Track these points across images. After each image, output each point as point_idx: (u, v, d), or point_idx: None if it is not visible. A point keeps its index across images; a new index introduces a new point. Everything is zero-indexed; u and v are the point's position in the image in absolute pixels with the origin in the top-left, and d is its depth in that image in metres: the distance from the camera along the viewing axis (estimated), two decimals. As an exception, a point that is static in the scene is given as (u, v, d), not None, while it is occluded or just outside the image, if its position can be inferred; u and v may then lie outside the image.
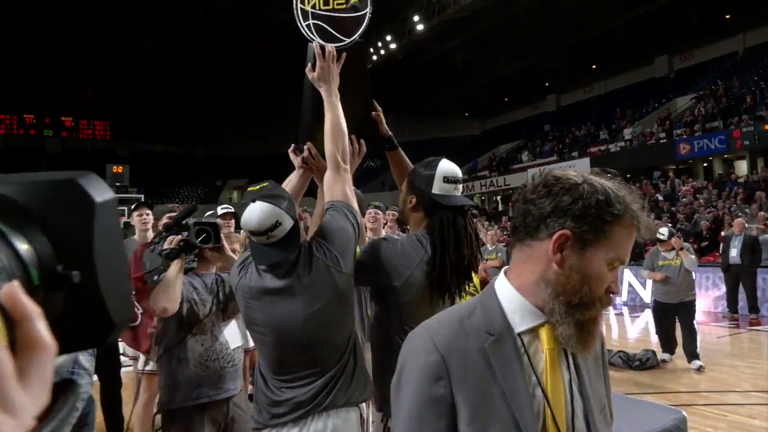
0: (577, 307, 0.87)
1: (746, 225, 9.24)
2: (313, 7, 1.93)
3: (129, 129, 30.23)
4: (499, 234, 11.72)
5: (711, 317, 9.16)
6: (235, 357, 2.46)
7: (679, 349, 5.94)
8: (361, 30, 1.94)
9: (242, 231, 2.82)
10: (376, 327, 1.82)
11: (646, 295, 10.63)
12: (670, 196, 16.30)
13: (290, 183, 2.06)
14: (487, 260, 7.89)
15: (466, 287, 1.79)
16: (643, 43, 22.86)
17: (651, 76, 24.89)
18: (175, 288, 2.20)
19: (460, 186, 1.84)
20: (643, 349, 6.20)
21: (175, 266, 2.24)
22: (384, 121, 2.14)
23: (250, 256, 1.74)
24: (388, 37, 20.99)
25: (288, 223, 1.60)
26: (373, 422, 1.92)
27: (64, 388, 0.36)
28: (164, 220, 3.87)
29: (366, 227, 3.67)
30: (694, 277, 6.23)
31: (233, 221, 4.15)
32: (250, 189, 1.67)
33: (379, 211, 3.91)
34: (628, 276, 11.12)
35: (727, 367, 5.82)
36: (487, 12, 19.60)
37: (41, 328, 0.33)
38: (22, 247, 0.37)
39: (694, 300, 6.01)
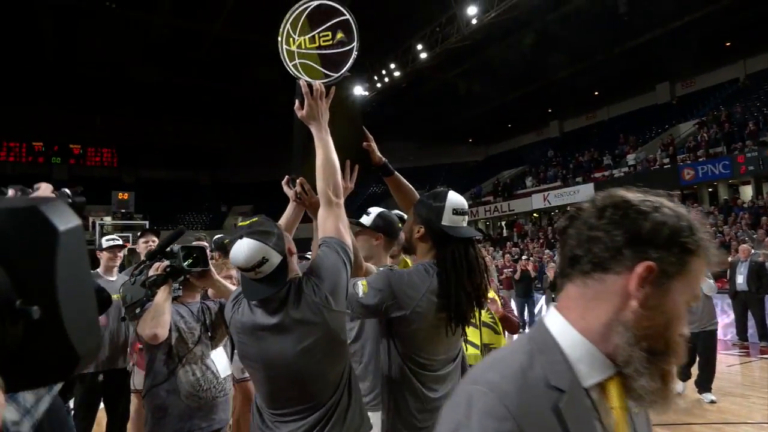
0: (661, 356, 0.74)
1: (752, 251, 9.15)
2: (299, 46, 1.95)
3: (135, 156, 30.60)
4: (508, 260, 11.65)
5: (721, 345, 8.97)
6: (226, 386, 2.43)
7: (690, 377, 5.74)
8: (348, 64, 1.95)
9: None
10: (385, 359, 1.86)
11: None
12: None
13: (285, 215, 2.10)
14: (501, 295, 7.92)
15: (477, 315, 1.87)
16: (645, 70, 23.08)
17: (653, 103, 25.06)
18: (165, 314, 2.17)
19: (467, 217, 1.89)
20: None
21: (163, 292, 2.20)
22: (376, 149, 2.15)
23: (241, 293, 1.75)
24: (392, 65, 21.29)
25: (276, 259, 1.60)
26: None
27: None
28: (143, 246, 3.85)
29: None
30: (714, 304, 5.86)
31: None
32: (240, 224, 1.68)
33: None
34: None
35: (738, 397, 5.68)
36: (489, 41, 19.90)
37: None
38: None
39: (716, 330, 5.59)
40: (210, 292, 2.57)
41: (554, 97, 26.48)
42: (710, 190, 18.47)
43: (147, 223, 23.22)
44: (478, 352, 3.09)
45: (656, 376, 0.74)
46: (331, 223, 1.76)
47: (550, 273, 8.65)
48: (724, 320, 9.52)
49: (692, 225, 0.77)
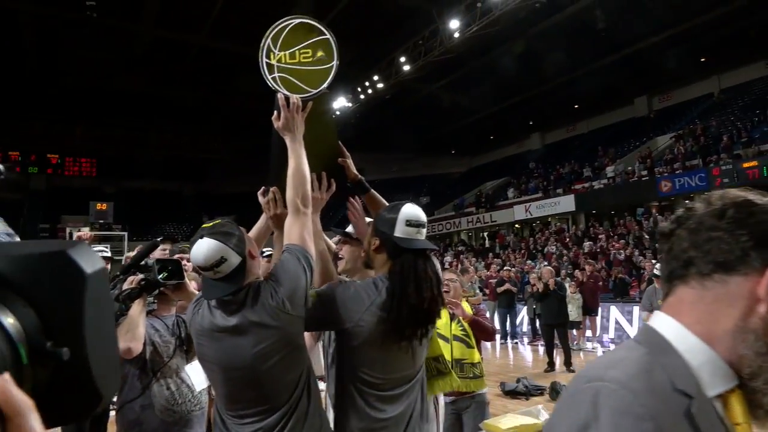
0: None
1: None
2: (279, 60, 2.00)
3: (116, 166, 30.20)
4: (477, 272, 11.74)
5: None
6: (202, 400, 2.41)
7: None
8: (327, 81, 2.00)
9: None
10: (334, 372, 1.84)
11: (633, 332, 10.65)
12: (653, 232, 16.52)
13: (257, 224, 2.13)
14: (468, 298, 7.85)
15: (426, 332, 1.77)
16: (623, 84, 23.61)
17: (631, 116, 25.61)
18: (139, 327, 2.17)
19: (424, 230, 1.85)
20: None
21: (137, 305, 2.20)
22: (352, 165, 2.20)
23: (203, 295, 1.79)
24: (376, 77, 21.45)
25: (234, 259, 1.64)
26: None
27: None
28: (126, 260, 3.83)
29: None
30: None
31: None
32: (203, 226, 1.72)
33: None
34: (614, 313, 11.15)
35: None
36: (471, 54, 20.18)
37: (34, 422, 0.32)
38: (8, 322, 0.36)
39: None
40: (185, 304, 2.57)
41: (536, 109, 26.92)
42: (687, 202, 18.77)
43: (126, 234, 22.90)
44: None
45: None
46: (296, 230, 1.79)
47: (544, 283, 8.66)
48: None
49: None
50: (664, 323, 0.76)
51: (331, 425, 1.81)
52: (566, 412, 0.69)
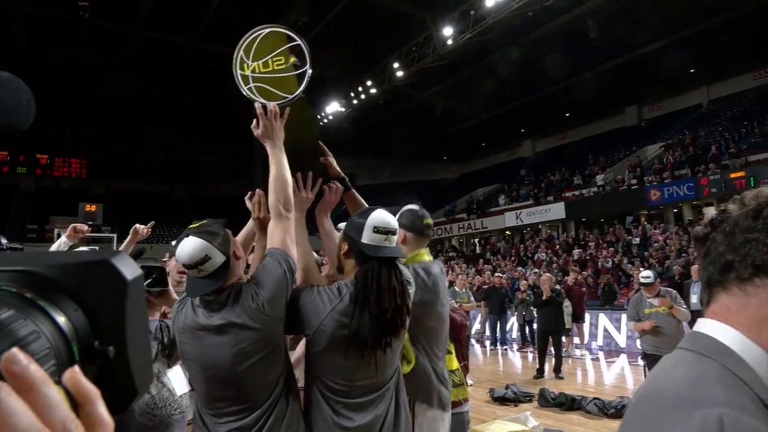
0: None
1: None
2: (253, 71, 2.03)
3: (106, 167, 29.99)
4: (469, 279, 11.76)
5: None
6: (182, 404, 2.43)
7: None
8: (302, 86, 2.03)
9: None
10: (306, 376, 1.84)
11: (621, 339, 10.71)
12: (643, 241, 16.66)
13: (245, 228, 2.17)
14: (461, 304, 7.84)
15: (390, 342, 1.74)
16: (614, 94, 23.86)
17: (622, 125, 25.85)
18: None
19: (393, 237, 1.82)
20: (619, 396, 6.18)
21: None
22: (334, 163, 2.22)
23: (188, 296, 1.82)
24: (369, 83, 21.51)
25: (218, 258, 1.68)
26: None
27: None
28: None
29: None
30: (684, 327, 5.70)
31: None
32: (190, 226, 1.76)
33: None
34: (603, 320, 11.21)
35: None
36: (464, 61, 20.30)
37: (102, 409, 0.36)
38: (62, 320, 0.41)
39: None
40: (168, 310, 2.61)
41: (527, 117, 27.10)
42: (675, 210, 19.06)
43: (115, 236, 22.71)
44: None
45: None
46: (278, 235, 1.82)
47: (544, 289, 8.59)
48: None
49: None
50: (720, 331, 0.70)
51: None
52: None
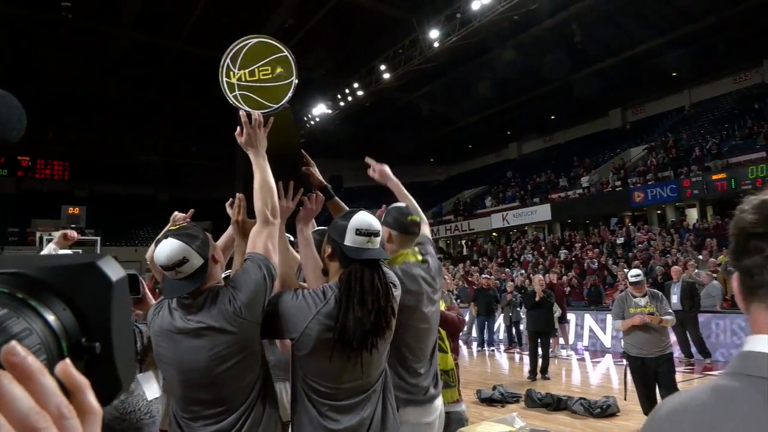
0: None
1: (697, 270, 9.57)
2: (239, 79, 2.05)
3: (90, 170, 29.58)
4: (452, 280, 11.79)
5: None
6: (153, 408, 2.42)
7: (635, 396, 5.38)
8: (287, 96, 2.05)
9: None
10: (292, 378, 1.84)
11: (606, 339, 10.82)
12: (627, 242, 16.85)
13: (226, 233, 2.20)
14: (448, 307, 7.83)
15: (375, 343, 1.74)
16: (599, 97, 24.14)
17: (606, 128, 26.15)
18: None
19: (376, 239, 1.83)
20: (604, 395, 6.23)
21: None
22: (316, 172, 2.24)
23: (165, 299, 1.82)
24: (356, 85, 21.51)
25: (196, 261, 1.69)
26: None
27: None
28: None
29: None
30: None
31: None
32: (170, 228, 1.80)
33: None
34: (588, 321, 11.31)
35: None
36: (451, 64, 20.39)
37: (91, 397, 0.40)
38: (51, 319, 0.44)
39: (672, 353, 5.26)
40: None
41: (513, 120, 27.29)
42: (659, 212, 19.32)
43: (99, 239, 22.41)
44: None
45: None
46: (261, 240, 1.82)
47: (536, 291, 8.51)
48: (672, 338, 9.91)
49: None
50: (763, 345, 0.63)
51: None
52: None
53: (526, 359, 10.45)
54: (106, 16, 17.92)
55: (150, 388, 2.38)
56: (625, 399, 5.26)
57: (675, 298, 8.89)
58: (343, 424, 1.72)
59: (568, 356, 10.46)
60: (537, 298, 8.37)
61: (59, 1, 15.63)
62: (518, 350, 11.60)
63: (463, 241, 26.61)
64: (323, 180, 2.26)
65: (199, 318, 1.67)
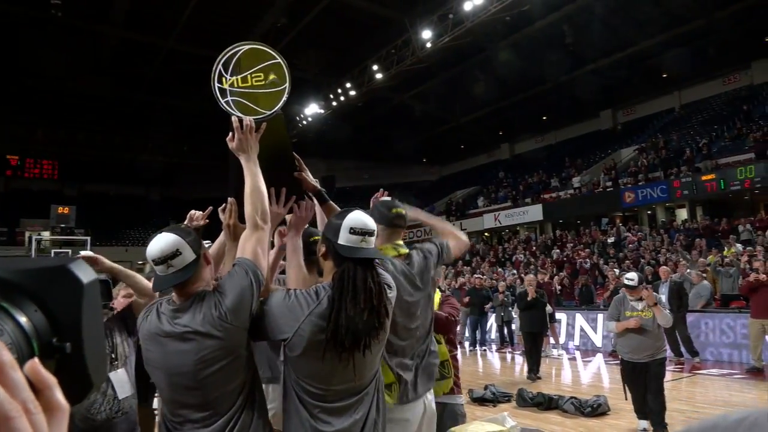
0: None
1: (689, 270, 9.64)
2: (231, 85, 2.05)
3: (79, 170, 29.32)
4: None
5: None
6: (124, 405, 2.44)
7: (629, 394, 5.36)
8: (280, 104, 2.06)
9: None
10: (282, 386, 1.83)
11: (597, 339, 10.88)
12: (617, 242, 16.95)
13: (217, 241, 2.19)
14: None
15: (369, 344, 1.71)
16: (590, 98, 24.31)
17: (597, 128, 26.31)
18: None
19: (371, 238, 1.81)
20: (595, 394, 6.27)
21: None
22: (310, 177, 2.24)
23: (155, 303, 1.82)
24: (348, 85, 21.49)
25: (189, 255, 1.70)
26: None
27: None
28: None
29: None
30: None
31: None
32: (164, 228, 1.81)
33: None
34: (579, 320, 11.37)
35: (675, 412, 5.94)
36: (443, 64, 20.44)
37: (59, 395, 0.41)
38: (23, 320, 0.46)
39: (666, 358, 5.16)
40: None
41: (505, 120, 27.39)
42: (649, 212, 19.47)
43: (88, 239, 22.22)
44: None
45: None
46: (250, 245, 1.82)
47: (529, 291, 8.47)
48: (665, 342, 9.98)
49: None
50: None
51: None
52: None
53: (518, 359, 10.49)
54: (96, 15, 17.79)
55: (121, 387, 2.42)
56: (626, 399, 5.25)
57: (663, 298, 8.92)
58: (335, 426, 1.70)
59: (559, 356, 10.50)
60: (529, 298, 8.36)
61: (49, -1, 15.50)
62: (510, 350, 11.63)
63: (456, 241, 26.63)
64: (317, 185, 2.25)
65: (185, 322, 1.68)
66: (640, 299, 4.97)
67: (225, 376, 1.68)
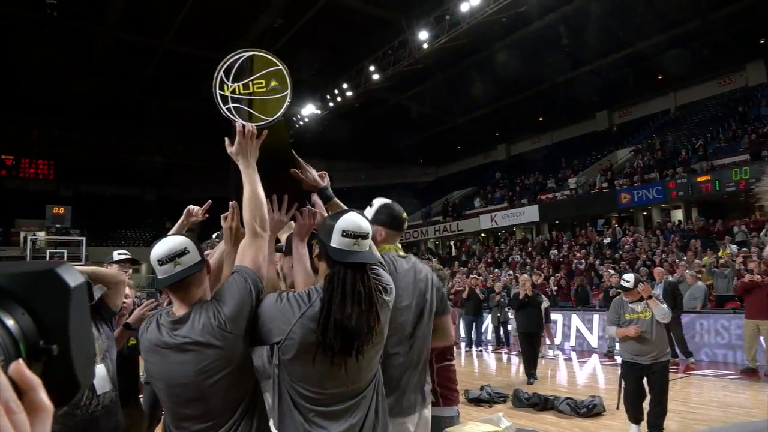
0: None
1: (687, 270, 9.65)
2: (233, 92, 2.06)
3: (75, 170, 29.24)
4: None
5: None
6: (105, 399, 2.47)
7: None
8: (281, 110, 2.06)
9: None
10: (276, 390, 1.82)
11: (593, 339, 10.91)
12: (613, 243, 17.00)
13: (218, 250, 2.17)
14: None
15: (360, 348, 1.68)
16: (586, 99, 24.39)
17: (593, 129, 26.39)
18: None
19: (364, 241, 1.76)
20: (590, 395, 6.28)
21: None
22: (314, 174, 2.23)
23: (154, 315, 1.80)
24: (345, 85, 21.49)
25: (195, 255, 1.71)
26: None
27: None
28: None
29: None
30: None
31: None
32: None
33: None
34: (575, 321, 11.39)
35: (670, 413, 5.95)
36: (440, 65, 20.45)
37: (42, 395, 0.43)
38: (10, 323, 0.46)
39: (669, 361, 4.98)
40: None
41: (502, 121, 27.43)
42: (645, 213, 19.53)
43: (84, 239, 22.14)
44: None
45: None
46: (250, 253, 1.81)
47: (525, 292, 8.40)
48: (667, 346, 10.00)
49: None
50: None
51: None
52: None
53: (514, 359, 10.49)
54: (91, 15, 17.73)
55: (100, 383, 2.46)
56: (618, 408, 5.16)
57: None
58: (331, 430, 1.68)
59: (555, 356, 10.52)
60: (521, 296, 8.33)
61: (44, -1, 15.44)
62: (506, 350, 11.65)
63: (452, 242, 26.68)
64: (321, 182, 2.23)
65: (184, 333, 1.67)
66: (640, 299, 4.83)
67: (226, 385, 1.67)
